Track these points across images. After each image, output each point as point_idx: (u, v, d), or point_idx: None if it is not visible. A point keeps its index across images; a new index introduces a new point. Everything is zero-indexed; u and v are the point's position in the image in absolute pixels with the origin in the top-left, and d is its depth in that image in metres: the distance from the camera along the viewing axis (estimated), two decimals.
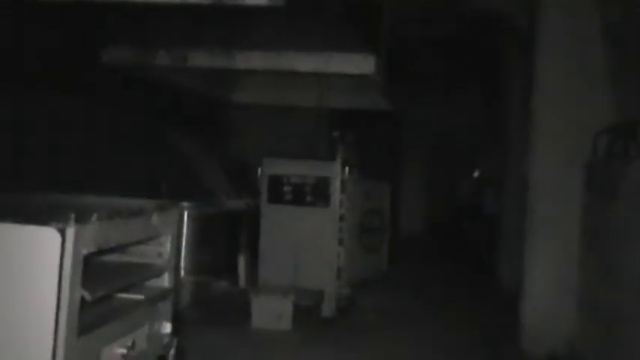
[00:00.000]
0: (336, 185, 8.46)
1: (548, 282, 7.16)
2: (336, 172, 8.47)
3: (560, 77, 7.18)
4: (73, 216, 2.29)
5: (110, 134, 8.61)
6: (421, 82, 14.79)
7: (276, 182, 8.66)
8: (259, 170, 9.04)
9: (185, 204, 7.85)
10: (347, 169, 8.60)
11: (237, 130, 12.17)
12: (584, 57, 7.05)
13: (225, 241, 8.62)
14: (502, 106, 11.98)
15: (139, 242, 3.07)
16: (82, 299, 2.41)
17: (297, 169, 8.67)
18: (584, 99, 7.03)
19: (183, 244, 7.97)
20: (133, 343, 2.84)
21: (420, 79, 14.56)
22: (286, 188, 8.62)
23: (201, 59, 8.36)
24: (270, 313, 7.68)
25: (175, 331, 3.27)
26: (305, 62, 8.29)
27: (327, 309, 8.29)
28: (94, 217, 2.43)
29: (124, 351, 2.75)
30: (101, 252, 2.62)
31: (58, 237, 2.25)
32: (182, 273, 7.79)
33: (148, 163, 9.31)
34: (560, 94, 7.18)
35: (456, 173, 18.72)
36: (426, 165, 18.96)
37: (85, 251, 2.38)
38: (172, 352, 3.23)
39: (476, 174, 17.21)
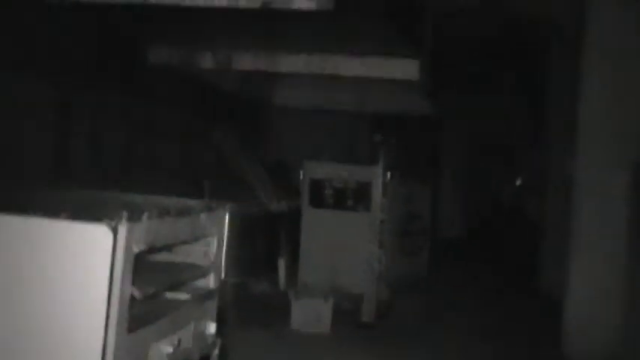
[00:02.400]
0: (377, 189, 8.41)
1: (592, 287, 7.05)
2: (377, 177, 8.42)
3: (607, 78, 7.07)
4: (125, 214, 2.30)
5: (153, 132, 8.68)
6: (462, 84, 14.67)
7: (317, 186, 8.66)
8: (301, 173, 9.05)
9: (229, 205, 7.87)
10: (388, 173, 8.55)
11: (278, 131, 12.21)
12: (631, 57, 6.94)
13: (266, 242, 8.64)
14: (545, 108, 11.84)
15: (187, 242, 3.09)
16: (132, 297, 2.43)
17: (339, 173, 8.66)
18: (631, 99, 6.91)
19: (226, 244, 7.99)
20: (179, 342, 2.85)
21: (461, 80, 14.44)
22: (327, 192, 8.61)
23: (245, 62, 8.40)
24: (310, 315, 7.67)
25: (219, 331, 3.28)
26: (349, 67, 8.28)
27: (367, 313, 8.25)
28: (145, 215, 2.45)
29: (170, 349, 2.76)
30: (149, 250, 2.64)
31: (110, 234, 2.26)
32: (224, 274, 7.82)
33: (191, 162, 9.37)
34: (607, 94, 7.07)
35: (496, 176, 18.51)
36: (466, 168, 18.79)
37: (136, 249, 2.39)
38: (216, 351, 3.24)
39: (518, 181, 16.99)
